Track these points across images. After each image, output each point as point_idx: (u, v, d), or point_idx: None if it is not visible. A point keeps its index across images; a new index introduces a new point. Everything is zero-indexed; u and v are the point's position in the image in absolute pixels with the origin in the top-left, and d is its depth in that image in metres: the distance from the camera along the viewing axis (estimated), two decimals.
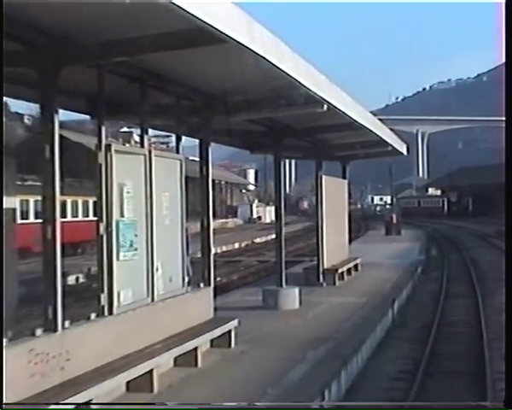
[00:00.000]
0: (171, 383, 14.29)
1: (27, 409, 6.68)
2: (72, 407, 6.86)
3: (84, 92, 14.20)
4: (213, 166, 18.68)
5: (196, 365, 15.59)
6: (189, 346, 15.36)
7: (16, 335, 11.63)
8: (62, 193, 12.21)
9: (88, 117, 16.00)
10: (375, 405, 10.07)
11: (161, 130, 20.04)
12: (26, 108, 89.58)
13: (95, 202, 13.92)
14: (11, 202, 13.64)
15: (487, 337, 21.30)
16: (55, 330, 11.85)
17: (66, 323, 12.22)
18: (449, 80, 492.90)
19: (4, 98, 12.54)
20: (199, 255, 18.42)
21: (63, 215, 12.44)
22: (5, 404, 3.35)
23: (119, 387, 13.10)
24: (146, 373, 13.53)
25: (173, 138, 18.97)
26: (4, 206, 12.69)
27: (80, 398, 11.35)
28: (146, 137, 15.81)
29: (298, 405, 9.46)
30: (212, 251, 18.50)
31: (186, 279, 16.81)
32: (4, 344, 10.78)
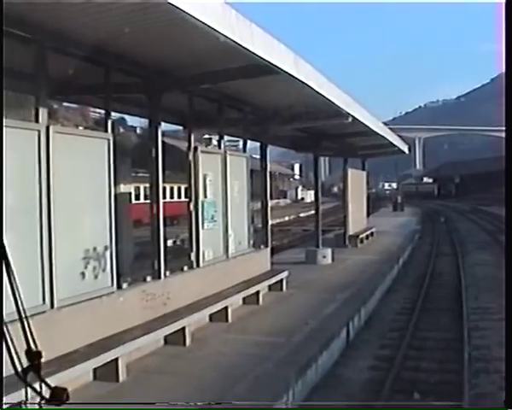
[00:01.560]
0: (240, 315, 14.34)
1: (28, 409, 6.58)
2: (75, 406, 6.77)
3: (178, 110, 14.27)
4: (269, 162, 18.68)
5: (258, 303, 15.65)
6: (252, 290, 15.43)
7: (133, 280, 11.76)
8: (163, 181, 12.28)
9: (181, 127, 16.09)
10: (374, 405, 9.81)
11: (233, 136, 20.10)
12: (138, 123, 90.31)
13: (186, 188, 13.99)
14: (128, 188, 13.74)
15: (465, 284, 21.14)
16: (160, 277, 11.96)
17: (167, 273, 12.33)
18: (437, 100, 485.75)
19: (123, 115, 12.63)
20: (260, 225, 18.47)
21: (164, 197, 12.53)
22: (5, 404, 3.22)
23: (203, 318, 13.19)
24: (222, 309, 13.61)
25: (241, 142, 18.98)
26: (123, 191, 12.78)
27: (177, 325, 11.47)
28: (222, 142, 15.88)
29: (297, 405, 9.28)
30: (269, 222, 18.52)
31: (251, 242, 16.86)
32: (125, 287, 10.92)
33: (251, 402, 8.42)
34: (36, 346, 2.58)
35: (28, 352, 2.56)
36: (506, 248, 5.20)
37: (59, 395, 2.58)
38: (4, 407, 3.43)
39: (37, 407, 2.61)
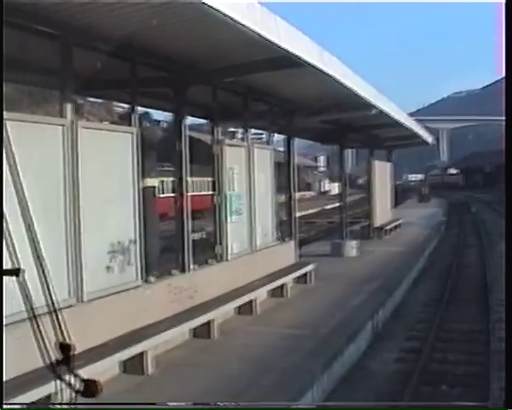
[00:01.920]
0: (266, 308, 14.33)
1: (27, 409, 6.50)
2: (72, 406, 6.73)
3: (204, 103, 14.26)
4: (295, 154, 18.75)
5: (284, 296, 15.61)
6: (279, 282, 15.40)
7: (160, 274, 11.79)
8: (189, 175, 12.31)
9: (206, 121, 16.11)
10: (374, 405, 9.73)
11: (258, 129, 20.06)
12: (163, 117, 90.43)
13: (211, 181, 13.97)
14: (153, 182, 13.78)
15: (490, 275, 20.98)
16: (186, 270, 12.01)
17: (194, 266, 12.36)
18: (461, 91, 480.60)
19: (148, 109, 12.68)
20: (285, 218, 18.45)
21: (190, 191, 12.56)
22: (5, 404, 3.19)
23: (230, 311, 13.17)
24: (249, 302, 13.59)
25: (266, 135, 18.98)
26: (148, 185, 12.82)
27: (204, 318, 11.49)
28: (247, 134, 15.86)
29: (298, 405, 9.26)
30: (295, 215, 18.48)
31: (276, 235, 16.85)
32: (151, 280, 10.96)
33: (251, 403, 8.42)
34: (67, 339, 2.61)
35: (60, 345, 2.59)
36: (506, 249, 5.13)
37: (91, 387, 2.60)
38: (5, 406, 3.44)
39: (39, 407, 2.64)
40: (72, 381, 2.65)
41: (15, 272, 2.51)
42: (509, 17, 4.55)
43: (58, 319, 2.60)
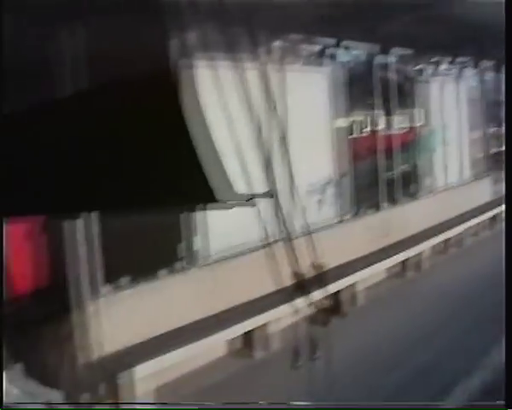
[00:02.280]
0: (462, 247, 14.08)
1: (27, 409, 6.56)
2: (72, 407, 6.71)
3: (407, 35, 13.30)
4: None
5: (478, 234, 15.13)
6: (475, 220, 15.00)
7: (362, 211, 11.85)
8: (388, 113, 12.29)
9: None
10: (375, 405, 9.38)
11: (463, 58, 18.69)
12: (354, 55, 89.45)
13: (405, 118, 13.83)
14: (345, 122, 13.75)
15: None
16: (382, 208, 12.04)
17: (389, 204, 12.35)
18: None
19: (347, 45, 12.37)
20: (481, 154, 17.85)
21: (387, 129, 12.58)
22: (5, 404, 3.29)
23: (426, 249, 12.78)
24: (445, 240, 13.47)
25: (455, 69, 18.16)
26: (343, 125, 12.75)
27: (401, 256, 11.64)
28: (442, 68, 15.35)
29: (299, 405, 8.97)
30: (492, 150, 17.83)
31: (472, 171, 16.40)
32: (348, 218, 11.09)
33: (252, 403, 8.44)
34: (318, 260, 2.82)
35: (311, 264, 2.81)
36: (506, 249, 4.92)
37: (335, 307, 2.81)
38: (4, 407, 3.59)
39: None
40: (321, 299, 2.87)
41: (269, 194, 2.73)
42: (509, 17, 4.45)
43: (311, 241, 2.83)
